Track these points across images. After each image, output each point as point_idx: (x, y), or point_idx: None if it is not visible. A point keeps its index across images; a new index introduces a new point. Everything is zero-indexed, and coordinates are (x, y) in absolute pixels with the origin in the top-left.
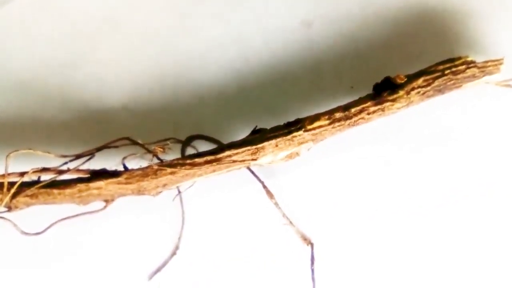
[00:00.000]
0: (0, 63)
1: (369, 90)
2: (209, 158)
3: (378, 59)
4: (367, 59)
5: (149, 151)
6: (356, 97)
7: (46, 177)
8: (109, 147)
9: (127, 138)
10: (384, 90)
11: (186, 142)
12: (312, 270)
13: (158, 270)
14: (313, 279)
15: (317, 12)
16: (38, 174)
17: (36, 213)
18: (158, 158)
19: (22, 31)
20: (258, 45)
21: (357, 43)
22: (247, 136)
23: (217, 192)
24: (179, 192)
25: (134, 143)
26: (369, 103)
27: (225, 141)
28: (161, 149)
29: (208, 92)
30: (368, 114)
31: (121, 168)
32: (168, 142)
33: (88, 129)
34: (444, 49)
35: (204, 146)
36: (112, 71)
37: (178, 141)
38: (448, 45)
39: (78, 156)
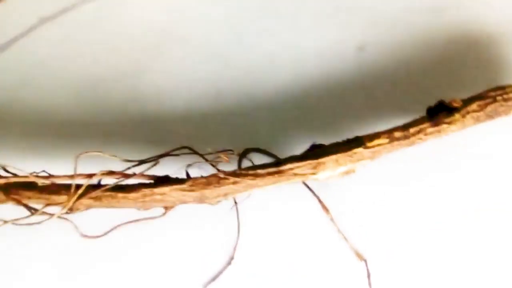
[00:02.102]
0: (65, 67)
1: (418, 113)
2: (271, 170)
3: (428, 83)
4: (418, 83)
5: (207, 161)
6: (406, 120)
7: (108, 181)
8: (171, 155)
9: (188, 147)
10: (438, 113)
11: (243, 154)
12: (369, 285)
13: (212, 279)
14: None
15: (370, 37)
16: (106, 177)
17: (92, 216)
18: (216, 168)
19: (89, 37)
20: (313, 65)
21: (408, 67)
22: (306, 151)
23: (272, 205)
24: (236, 203)
25: (194, 152)
26: (426, 124)
27: (279, 155)
28: (226, 158)
29: (263, 107)
30: (425, 134)
31: (180, 176)
32: (228, 153)
33: (146, 137)
34: (490, 76)
35: (258, 160)
36: (171, 81)
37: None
38: (493, 73)
39: (141, 162)
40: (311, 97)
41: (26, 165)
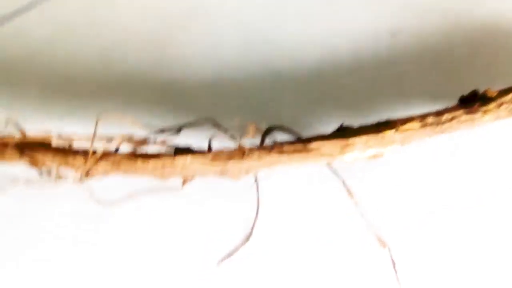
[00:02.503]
0: (91, 31)
1: (448, 103)
2: (298, 147)
3: (459, 73)
4: (449, 72)
5: (230, 134)
6: (435, 108)
7: (125, 148)
8: (193, 126)
9: (211, 119)
10: (471, 102)
11: (267, 132)
12: (395, 272)
13: (227, 256)
14: (397, 280)
15: (403, 23)
16: (126, 142)
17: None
18: (239, 143)
19: (118, 2)
20: (344, 46)
21: (440, 55)
22: (334, 131)
23: (294, 185)
24: (257, 180)
25: (217, 125)
26: (460, 112)
27: (303, 135)
28: (254, 131)
29: (290, 86)
30: (458, 123)
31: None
32: (252, 127)
33: (168, 106)
34: None
35: (281, 139)
36: (198, 53)
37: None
38: None
39: (162, 130)
40: (341, 78)
41: (43, 126)
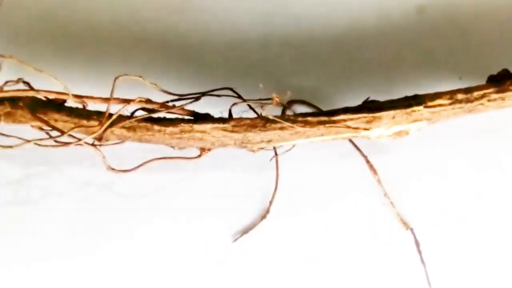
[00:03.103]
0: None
1: (475, 82)
2: (323, 119)
3: (487, 53)
4: (476, 51)
5: (251, 102)
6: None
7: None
8: (212, 95)
9: (230, 89)
10: (501, 81)
11: (288, 104)
12: (420, 252)
13: (245, 232)
14: (422, 261)
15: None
16: (143, 105)
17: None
18: (256, 113)
19: None
20: (369, 22)
21: (468, 35)
22: (361, 105)
23: (315, 161)
24: (276, 154)
25: (237, 95)
26: (491, 90)
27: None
28: (277, 100)
29: (313, 58)
30: (489, 101)
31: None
32: (273, 98)
33: (187, 72)
34: None
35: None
36: (217, 21)
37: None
38: None
39: (181, 97)
40: (366, 52)
41: (57, 87)
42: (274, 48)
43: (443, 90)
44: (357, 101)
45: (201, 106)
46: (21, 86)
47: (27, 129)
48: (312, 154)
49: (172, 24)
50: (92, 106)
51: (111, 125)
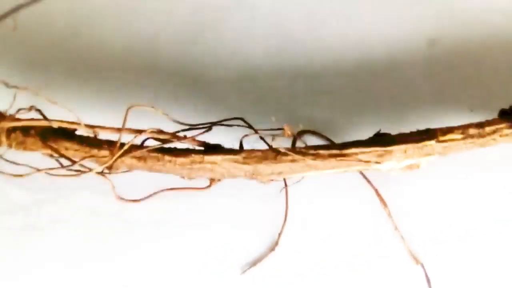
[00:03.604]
0: (120, 20)
1: (487, 116)
2: (334, 152)
3: (499, 86)
4: (488, 85)
5: (262, 134)
6: (473, 121)
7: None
8: (223, 125)
9: (241, 119)
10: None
11: (299, 135)
12: None
13: (253, 264)
14: None
15: (442, 32)
16: (154, 135)
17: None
18: (267, 144)
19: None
20: (381, 52)
21: (480, 68)
22: (371, 138)
23: (325, 194)
24: (286, 185)
25: (248, 125)
26: (504, 125)
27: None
28: (289, 132)
29: (324, 89)
30: (501, 136)
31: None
32: (287, 128)
33: (198, 102)
34: None
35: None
36: (229, 52)
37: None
38: None
39: (192, 127)
40: (377, 84)
41: (68, 116)
42: (286, 79)
43: (454, 122)
44: (368, 133)
45: (211, 136)
46: (33, 113)
47: (36, 154)
48: (322, 185)
49: (184, 54)
50: (103, 135)
51: (122, 155)
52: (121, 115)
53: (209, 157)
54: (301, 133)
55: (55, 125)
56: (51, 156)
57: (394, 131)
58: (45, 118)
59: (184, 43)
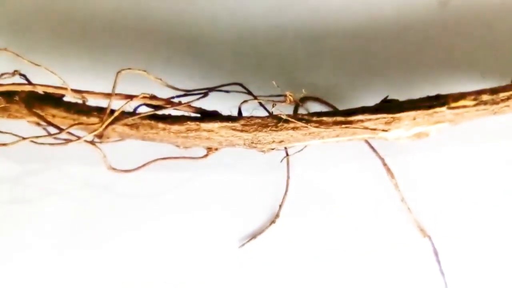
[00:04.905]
0: None
1: (500, 82)
2: (339, 119)
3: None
4: (501, 49)
5: (262, 100)
6: (483, 86)
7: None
8: (221, 91)
9: (240, 84)
10: None
11: (301, 102)
12: (438, 262)
13: (252, 237)
14: (441, 272)
15: None
16: (147, 101)
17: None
18: (267, 111)
19: None
20: (389, 16)
21: (493, 31)
22: (379, 104)
23: (327, 164)
24: (287, 154)
25: (247, 91)
26: None
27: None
28: (291, 98)
29: (327, 51)
30: None
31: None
32: (286, 96)
33: (194, 67)
34: None
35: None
36: (226, 10)
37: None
38: None
39: (188, 92)
40: (384, 48)
41: (55, 80)
42: (287, 41)
43: (464, 88)
44: (373, 99)
45: (208, 102)
46: (17, 78)
47: (22, 124)
48: (325, 155)
49: (178, 13)
50: (92, 101)
51: (112, 122)
52: (110, 81)
53: (206, 124)
54: (304, 99)
55: (41, 90)
56: (37, 124)
57: (401, 97)
58: (29, 83)
59: (179, 2)
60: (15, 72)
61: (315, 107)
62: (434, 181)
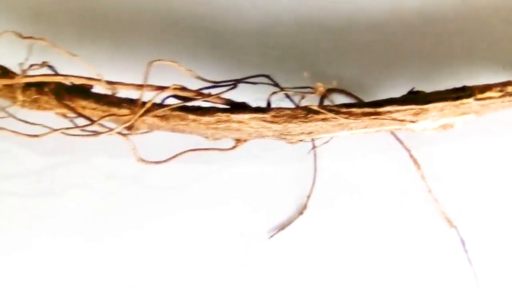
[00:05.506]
0: None
1: None
2: (367, 110)
3: None
4: None
5: (289, 92)
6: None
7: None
8: (249, 82)
9: (267, 76)
10: None
11: (327, 94)
12: (466, 251)
13: (281, 228)
14: (469, 261)
15: None
16: (178, 92)
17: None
18: (293, 102)
19: None
20: (412, 8)
21: None
22: (405, 96)
23: (354, 155)
24: (315, 146)
25: (274, 83)
26: None
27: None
28: (322, 89)
29: (351, 44)
30: None
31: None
32: (316, 88)
33: (218, 59)
34: None
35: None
36: (250, 3)
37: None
38: None
39: (216, 84)
40: (407, 40)
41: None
42: (311, 33)
43: (485, 80)
44: (397, 91)
45: (233, 94)
46: (45, 70)
47: (48, 116)
48: (352, 146)
49: (204, 7)
50: (120, 93)
51: (144, 114)
52: (136, 74)
53: (236, 115)
54: (329, 91)
55: (72, 81)
56: (65, 116)
57: (424, 89)
58: (59, 74)
59: None
60: (44, 64)
61: (340, 99)
62: (460, 172)
